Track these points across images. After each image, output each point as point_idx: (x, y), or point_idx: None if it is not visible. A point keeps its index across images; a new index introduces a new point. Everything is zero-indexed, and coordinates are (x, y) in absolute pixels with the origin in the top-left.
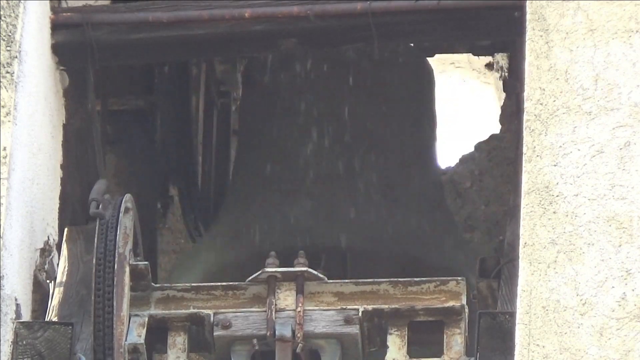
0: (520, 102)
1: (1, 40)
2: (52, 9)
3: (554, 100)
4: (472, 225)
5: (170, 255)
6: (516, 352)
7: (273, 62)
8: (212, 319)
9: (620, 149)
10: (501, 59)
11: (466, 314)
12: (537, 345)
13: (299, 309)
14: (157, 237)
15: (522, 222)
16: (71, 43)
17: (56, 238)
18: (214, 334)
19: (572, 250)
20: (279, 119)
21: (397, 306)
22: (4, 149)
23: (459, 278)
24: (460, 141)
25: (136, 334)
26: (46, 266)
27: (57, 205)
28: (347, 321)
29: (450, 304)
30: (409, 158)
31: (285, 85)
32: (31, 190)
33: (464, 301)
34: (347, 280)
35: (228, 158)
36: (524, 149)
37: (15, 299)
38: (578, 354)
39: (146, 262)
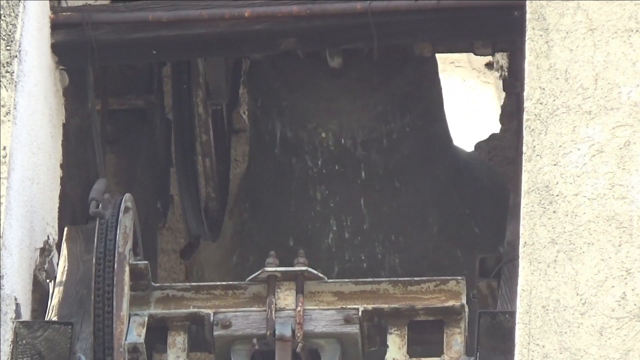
0: (520, 102)
1: (1, 40)
2: (52, 8)
3: (554, 100)
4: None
5: (170, 255)
6: (516, 352)
7: (281, 154)
8: (212, 318)
9: (620, 148)
10: (501, 58)
11: (466, 314)
12: (537, 344)
13: (298, 308)
14: (157, 237)
15: (522, 222)
16: (71, 42)
17: (56, 237)
18: (214, 333)
19: (572, 249)
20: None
21: (397, 306)
22: (4, 148)
23: (459, 277)
24: (460, 141)
25: (136, 334)
26: (46, 266)
27: (57, 205)
28: (347, 321)
29: (450, 303)
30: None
31: (298, 178)
32: (31, 190)
33: (464, 301)
34: (347, 280)
35: (229, 157)
36: (524, 149)
37: (15, 299)
38: (578, 353)
39: (146, 262)
